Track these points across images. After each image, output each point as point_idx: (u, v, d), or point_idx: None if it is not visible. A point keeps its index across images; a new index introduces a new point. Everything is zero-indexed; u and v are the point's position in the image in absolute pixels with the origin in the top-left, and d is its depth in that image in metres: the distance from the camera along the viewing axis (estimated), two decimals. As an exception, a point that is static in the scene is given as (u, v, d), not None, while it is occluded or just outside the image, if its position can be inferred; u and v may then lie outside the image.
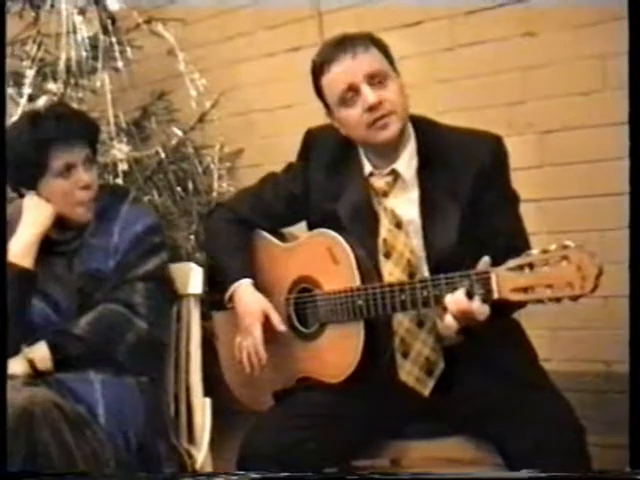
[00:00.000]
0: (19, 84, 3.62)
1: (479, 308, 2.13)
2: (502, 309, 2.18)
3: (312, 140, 2.60)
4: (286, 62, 3.95)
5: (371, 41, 2.39)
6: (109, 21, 3.70)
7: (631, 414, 1.93)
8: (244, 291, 2.55)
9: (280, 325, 2.51)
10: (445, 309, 2.20)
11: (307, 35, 3.82)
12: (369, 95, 2.34)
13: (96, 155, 2.73)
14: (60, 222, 2.60)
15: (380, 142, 2.39)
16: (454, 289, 2.18)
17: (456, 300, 2.16)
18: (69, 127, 2.57)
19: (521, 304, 2.17)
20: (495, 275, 2.12)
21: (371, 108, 2.35)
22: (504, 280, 2.11)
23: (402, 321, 2.40)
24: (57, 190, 2.57)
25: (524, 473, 2.16)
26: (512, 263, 2.10)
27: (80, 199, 2.59)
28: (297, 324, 2.55)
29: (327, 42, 2.46)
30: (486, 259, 2.15)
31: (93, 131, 2.70)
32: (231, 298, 2.57)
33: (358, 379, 2.37)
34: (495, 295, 2.12)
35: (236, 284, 2.56)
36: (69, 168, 2.56)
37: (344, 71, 2.38)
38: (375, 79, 2.35)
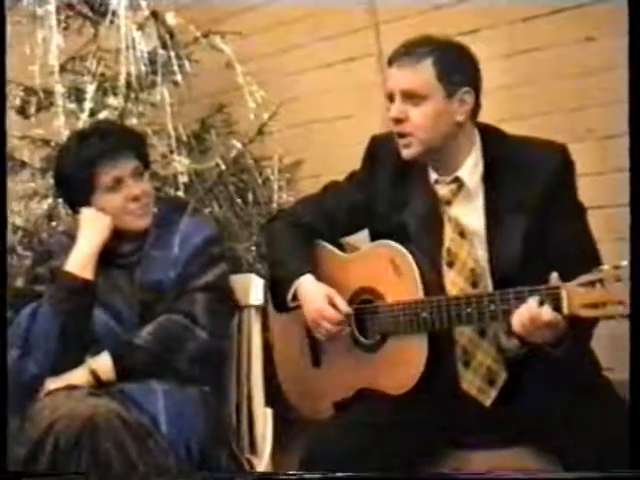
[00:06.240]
0: (80, 99, 3.67)
1: (552, 316, 2.11)
2: (574, 327, 2.16)
3: (377, 147, 2.60)
4: (344, 72, 3.95)
5: (435, 51, 2.37)
6: (168, 35, 3.73)
7: (631, 415, 1.92)
8: (308, 283, 2.55)
9: (344, 307, 2.50)
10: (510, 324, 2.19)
11: (364, 45, 3.82)
12: (392, 109, 2.38)
13: (148, 165, 2.77)
14: (119, 235, 2.63)
15: (404, 157, 2.42)
16: (523, 304, 2.16)
17: (528, 307, 2.14)
18: (113, 143, 2.61)
19: (592, 321, 2.15)
20: (565, 290, 2.10)
21: (393, 121, 2.38)
22: (574, 296, 2.09)
23: (464, 330, 2.38)
24: (109, 204, 2.61)
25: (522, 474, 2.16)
26: (583, 279, 2.08)
27: (132, 210, 2.62)
28: (358, 335, 2.54)
29: (404, 41, 2.44)
30: (556, 274, 2.13)
31: (139, 143, 2.74)
32: (295, 297, 2.56)
33: (420, 389, 2.36)
34: (565, 311, 2.10)
35: (298, 280, 2.55)
36: (118, 182, 2.60)
37: (389, 79, 2.42)
38: (410, 95, 2.36)
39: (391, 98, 2.40)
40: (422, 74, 2.36)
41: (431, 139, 2.37)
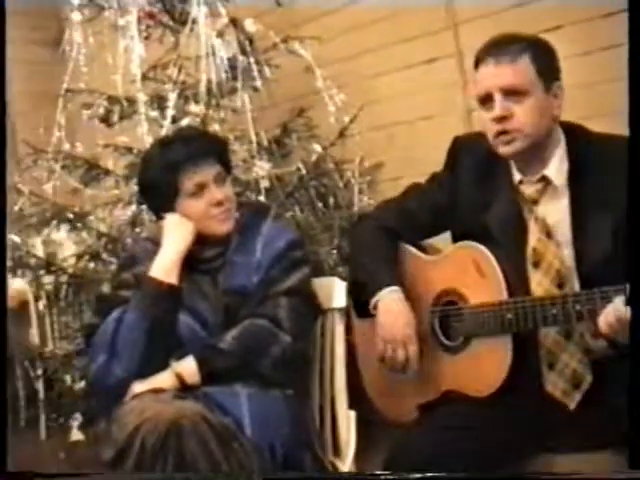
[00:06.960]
0: (162, 107, 3.72)
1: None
2: None
3: (460, 148, 2.59)
4: (423, 74, 3.94)
5: (530, 47, 2.36)
6: (247, 42, 3.77)
7: (630, 413, 1.89)
8: (391, 301, 2.53)
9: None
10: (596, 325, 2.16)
11: (443, 46, 3.81)
12: (497, 107, 2.34)
13: (230, 170, 2.79)
14: (202, 240, 2.65)
15: (501, 155, 2.39)
16: (609, 303, 2.14)
17: (615, 306, 2.11)
18: (196, 148, 2.63)
19: None
20: None
21: (497, 120, 2.35)
22: None
23: (548, 332, 2.35)
24: (192, 210, 2.63)
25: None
26: None
27: (215, 215, 2.64)
28: (442, 337, 2.53)
29: (493, 38, 2.43)
30: None
31: (221, 148, 2.76)
32: (375, 306, 2.55)
33: (504, 391, 2.34)
34: None
35: (382, 292, 2.54)
36: (201, 187, 2.62)
37: (485, 77, 2.38)
38: (511, 92, 2.34)
39: (486, 98, 2.38)
40: (522, 70, 2.34)
41: (535, 134, 2.35)
